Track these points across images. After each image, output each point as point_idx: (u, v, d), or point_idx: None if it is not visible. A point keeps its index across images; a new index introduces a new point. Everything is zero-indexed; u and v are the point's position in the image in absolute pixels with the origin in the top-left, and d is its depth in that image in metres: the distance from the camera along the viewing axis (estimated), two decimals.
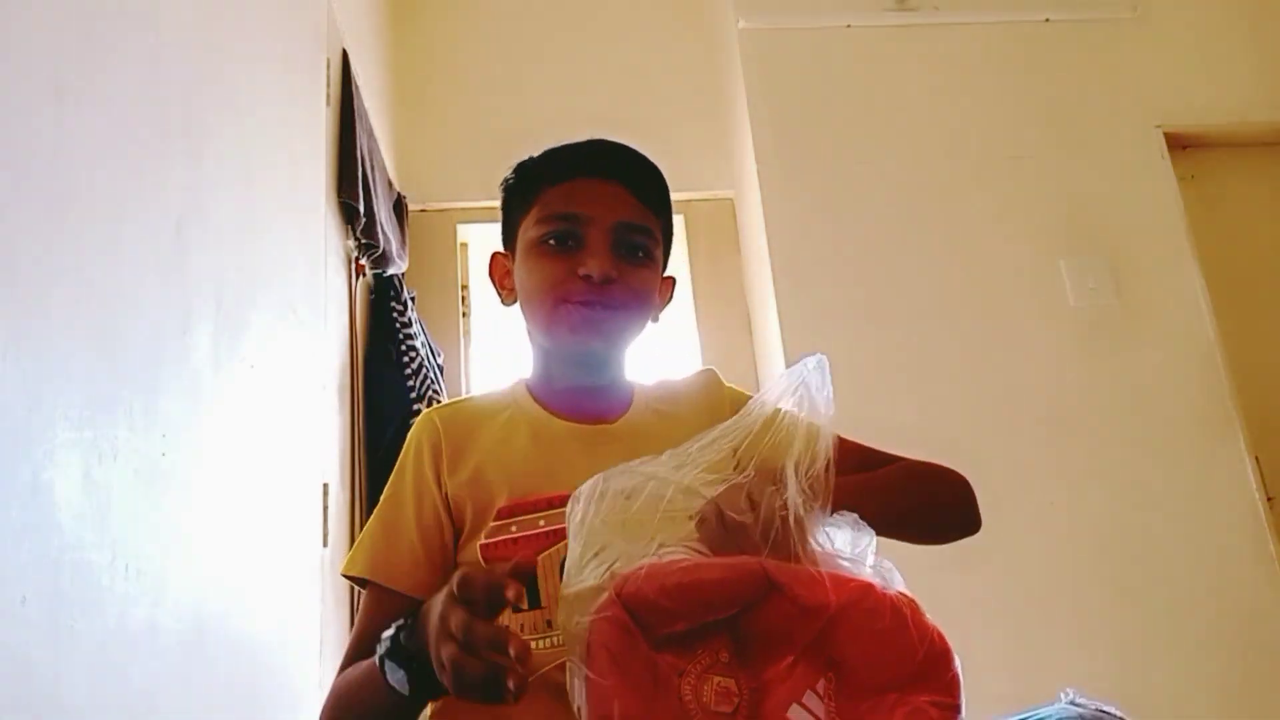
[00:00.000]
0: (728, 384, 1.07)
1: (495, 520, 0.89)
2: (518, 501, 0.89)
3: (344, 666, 0.89)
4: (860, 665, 0.63)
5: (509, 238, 1.04)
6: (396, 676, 0.73)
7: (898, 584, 0.65)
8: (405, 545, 0.92)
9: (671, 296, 1.07)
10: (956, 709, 0.62)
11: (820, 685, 0.63)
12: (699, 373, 1.09)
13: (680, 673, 0.61)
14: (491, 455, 0.94)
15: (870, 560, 0.66)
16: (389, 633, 0.75)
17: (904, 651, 0.62)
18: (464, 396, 1.04)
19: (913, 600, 0.64)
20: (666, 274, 1.05)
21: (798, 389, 0.73)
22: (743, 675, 0.63)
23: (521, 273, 0.99)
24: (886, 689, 0.62)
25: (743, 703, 0.62)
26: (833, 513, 0.69)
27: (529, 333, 1.02)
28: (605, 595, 0.62)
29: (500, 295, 1.05)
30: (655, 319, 1.03)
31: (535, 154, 1.04)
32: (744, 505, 0.68)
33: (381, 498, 0.97)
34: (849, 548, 0.67)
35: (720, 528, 0.68)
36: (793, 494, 0.67)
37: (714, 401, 1.03)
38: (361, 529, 2.12)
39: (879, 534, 0.71)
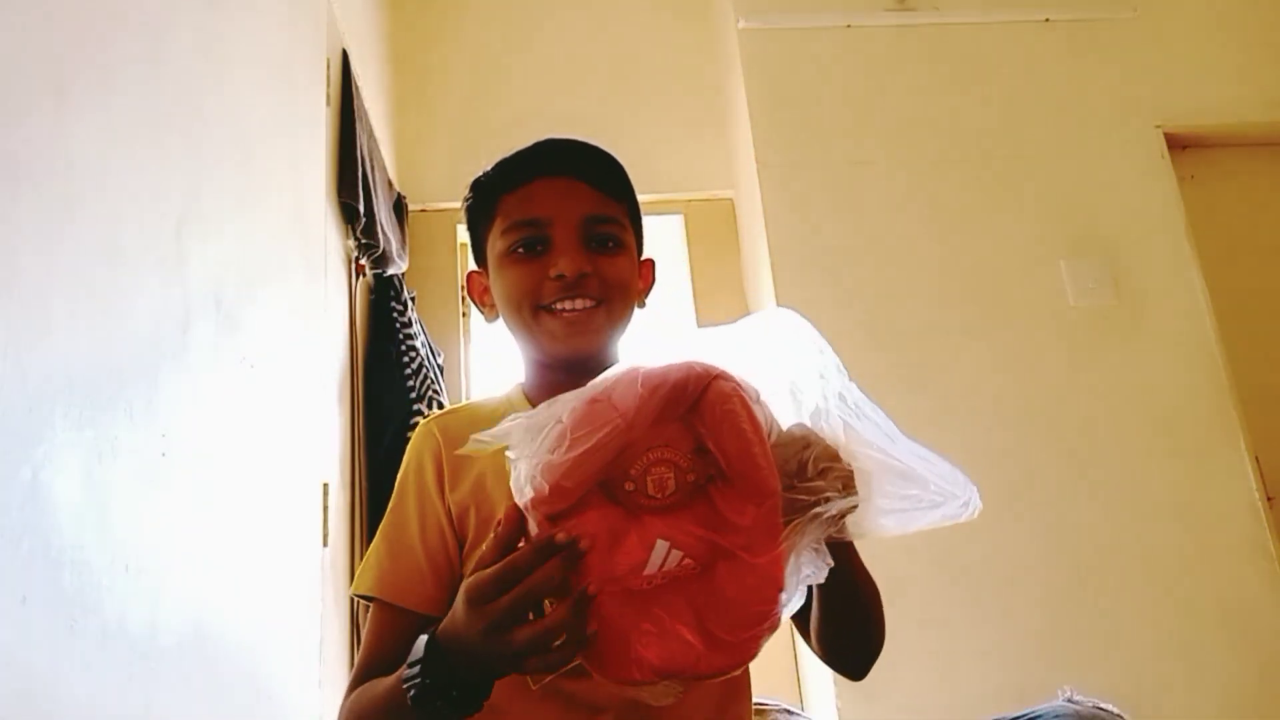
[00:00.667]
0: None
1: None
2: None
3: (354, 684, 0.88)
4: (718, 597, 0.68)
5: (480, 254, 1.03)
6: (434, 707, 0.71)
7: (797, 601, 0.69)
8: (411, 562, 0.91)
9: (654, 279, 1.06)
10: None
11: (685, 562, 0.68)
12: None
13: (656, 446, 0.67)
14: (491, 465, 0.93)
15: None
16: (412, 673, 0.73)
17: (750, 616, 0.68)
18: (462, 403, 1.03)
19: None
20: (644, 257, 1.04)
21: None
22: (681, 494, 0.68)
23: (497, 286, 0.98)
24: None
25: (659, 502, 0.67)
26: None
27: (518, 344, 1.01)
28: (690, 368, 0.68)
29: (483, 313, 1.04)
30: (642, 304, 1.02)
31: (488, 167, 1.03)
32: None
33: (386, 513, 0.97)
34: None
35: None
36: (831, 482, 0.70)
37: None
38: (361, 529, 2.13)
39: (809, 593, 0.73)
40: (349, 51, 2.23)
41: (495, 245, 0.97)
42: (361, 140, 2.16)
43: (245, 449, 1.38)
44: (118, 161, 1.04)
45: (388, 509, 0.97)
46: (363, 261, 2.21)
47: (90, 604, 0.91)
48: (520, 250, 0.94)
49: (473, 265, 1.05)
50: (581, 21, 3.08)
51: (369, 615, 0.94)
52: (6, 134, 0.83)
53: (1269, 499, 2.21)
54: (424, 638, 0.74)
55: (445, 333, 2.68)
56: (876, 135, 2.48)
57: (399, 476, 0.97)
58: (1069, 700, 0.74)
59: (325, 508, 1.79)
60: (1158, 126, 2.51)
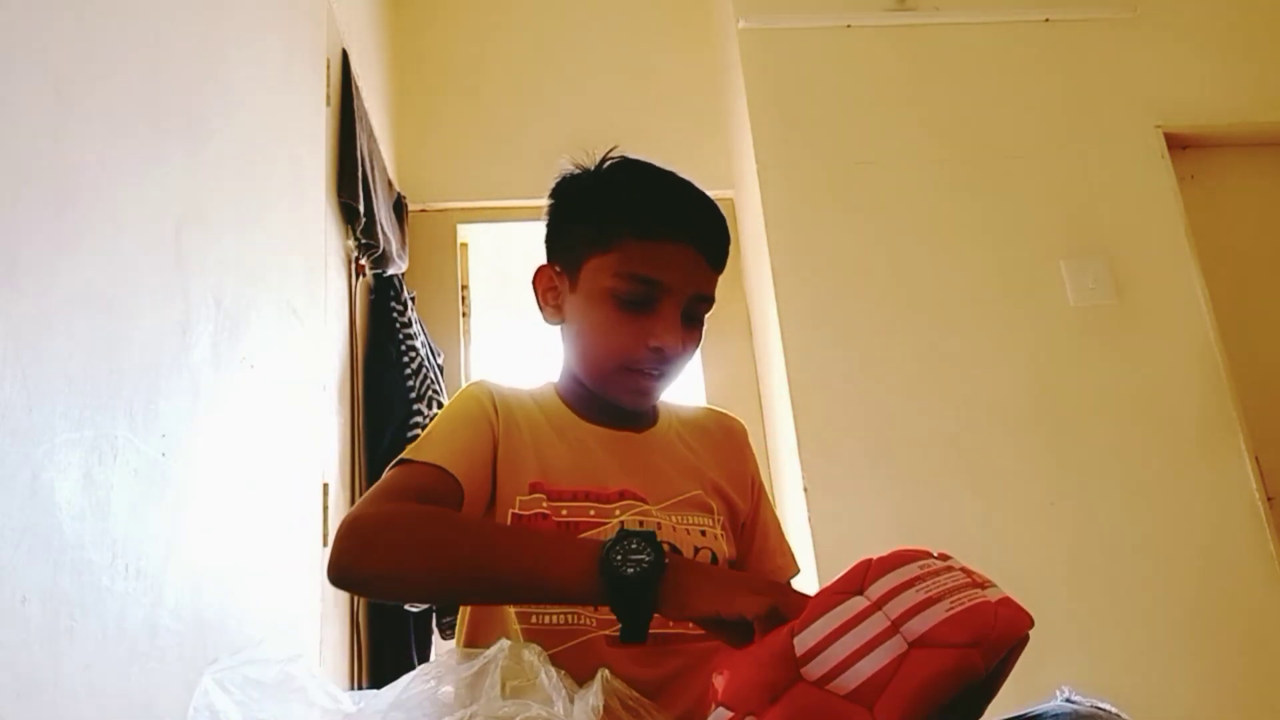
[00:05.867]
0: (752, 451, 1.11)
1: (528, 494, 0.92)
2: (548, 486, 0.93)
3: (388, 496, 0.86)
4: None
5: (566, 256, 1.00)
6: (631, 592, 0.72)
7: None
8: (474, 445, 0.92)
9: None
10: None
11: None
12: (728, 418, 1.13)
13: None
14: (528, 432, 0.97)
15: None
16: (635, 548, 0.73)
17: None
18: (505, 384, 1.04)
19: None
20: None
21: None
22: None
23: (584, 316, 0.98)
24: None
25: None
26: None
27: (567, 355, 1.03)
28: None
29: (543, 311, 1.03)
30: None
31: (613, 177, 1.00)
32: None
33: (438, 416, 0.98)
34: None
35: None
36: None
37: (735, 466, 1.07)
38: None
39: None
40: (349, 51, 2.23)
41: (600, 277, 0.96)
42: (361, 140, 2.16)
43: (245, 449, 1.38)
44: (118, 161, 1.04)
45: (441, 414, 0.98)
46: (363, 261, 2.21)
47: (90, 604, 0.91)
48: (626, 300, 0.95)
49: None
50: (581, 21, 3.08)
51: (404, 470, 0.90)
52: (6, 134, 0.83)
53: (1269, 499, 2.21)
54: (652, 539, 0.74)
55: (445, 333, 2.68)
56: (876, 135, 2.48)
57: (453, 402, 0.99)
58: (1067, 700, 0.74)
59: (325, 508, 1.79)
60: (1158, 126, 2.51)
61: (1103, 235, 2.41)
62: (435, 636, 2.25)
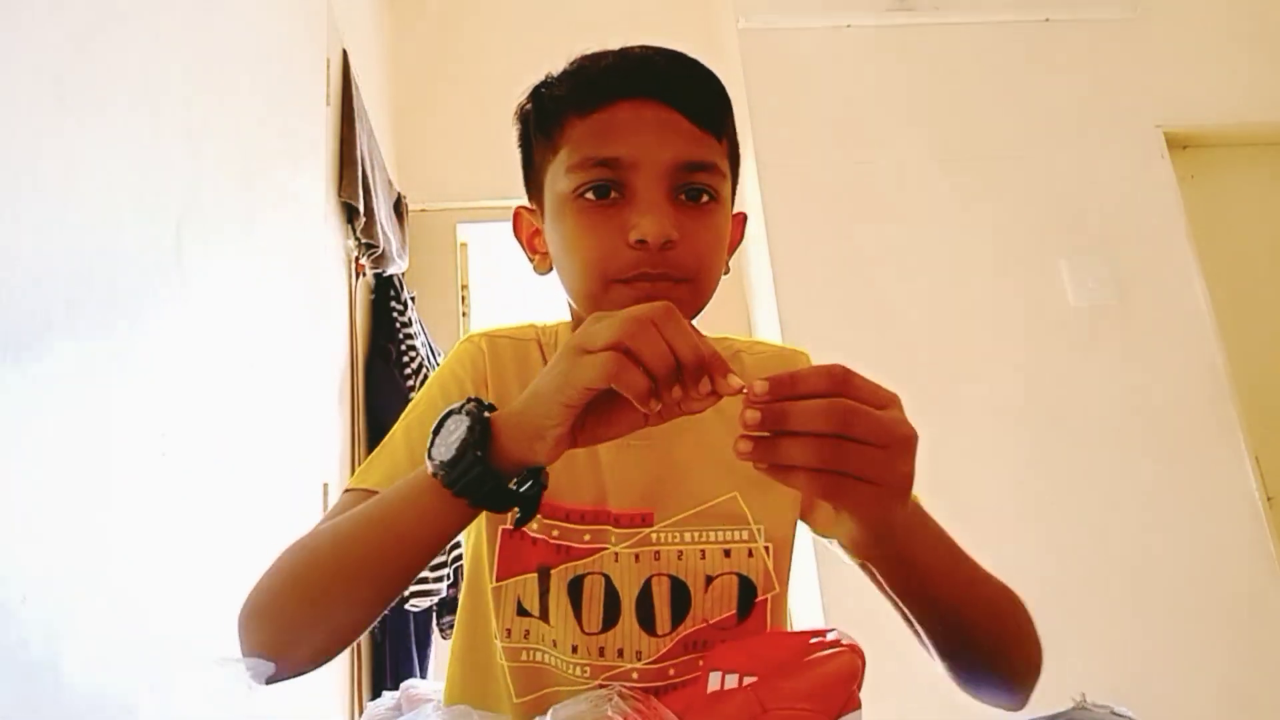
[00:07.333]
0: None
1: None
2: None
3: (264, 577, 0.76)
4: None
5: (534, 186, 0.80)
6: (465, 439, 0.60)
7: None
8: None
9: (743, 236, 0.85)
10: None
11: None
12: (789, 354, 0.90)
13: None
14: None
15: None
16: (463, 422, 0.62)
17: None
18: (505, 326, 0.86)
19: None
20: (736, 210, 0.81)
21: None
22: None
23: (555, 237, 0.76)
24: None
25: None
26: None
27: (569, 304, 0.82)
28: None
29: (531, 261, 0.82)
30: (726, 270, 0.78)
31: (555, 72, 0.80)
32: None
33: (407, 409, 0.84)
34: None
35: None
36: None
37: None
38: None
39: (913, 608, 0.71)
40: (349, 51, 2.23)
41: (557, 183, 0.74)
42: (361, 140, 2.16)
43: (245, 449, 1.38)
44: (118, 161, 1.04)
45: (411, 405, 0.84)
46: (363, 261, 2.21)
47: (90, 604, 0.91)
48: (590, 196, 0.72)
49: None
50: (581, 21, 3.09)
51: (349, 498, 0.78)
52: (6, 134, 0.83)
53: (1269, 499, 2.21)
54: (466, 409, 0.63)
55: (445, 333, 2.68)
56: (876, 135, 2.48)
57: (433, 382, 0.83)
58: (1081, 707, 0.70)
59: (325, 508, 1.79)
60: (1158, 126, 2.51)
61: (1103, 235, 2.41)
62: (435, 636, 2.25)
